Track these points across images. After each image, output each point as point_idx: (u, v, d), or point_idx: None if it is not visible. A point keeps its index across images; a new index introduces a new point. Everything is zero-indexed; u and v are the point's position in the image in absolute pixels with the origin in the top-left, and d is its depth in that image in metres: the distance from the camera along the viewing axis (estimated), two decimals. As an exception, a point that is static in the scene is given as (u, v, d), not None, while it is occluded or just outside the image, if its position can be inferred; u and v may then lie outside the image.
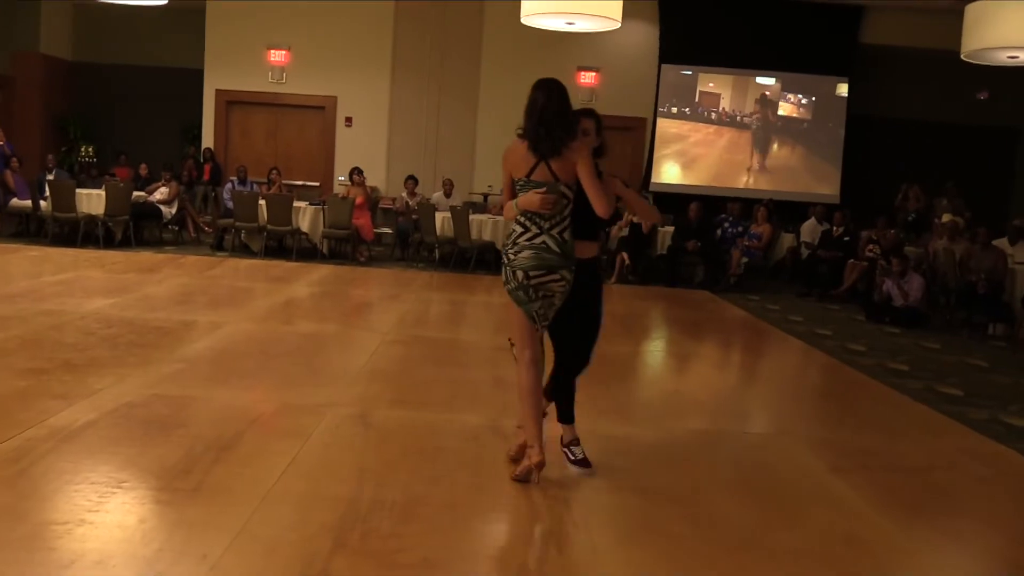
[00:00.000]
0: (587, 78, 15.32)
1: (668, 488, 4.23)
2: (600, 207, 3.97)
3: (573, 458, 4.27)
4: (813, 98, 15.49)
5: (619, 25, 10.53)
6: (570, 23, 10.75)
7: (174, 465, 4.02)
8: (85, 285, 9.08)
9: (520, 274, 3.98)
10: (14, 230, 13.23)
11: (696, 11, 15.00)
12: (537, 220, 3.99)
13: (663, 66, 15.27)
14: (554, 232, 3.99)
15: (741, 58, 15.18)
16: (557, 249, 3.98)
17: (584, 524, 3.69)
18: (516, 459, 4.21)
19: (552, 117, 3.94)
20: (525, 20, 10.64)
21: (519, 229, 4.00)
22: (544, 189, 3.95)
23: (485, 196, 14.70)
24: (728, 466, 4.69)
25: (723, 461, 4.78)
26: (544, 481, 4.08)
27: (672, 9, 15.13)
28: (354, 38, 15.16)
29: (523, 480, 4.04)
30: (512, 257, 4.01)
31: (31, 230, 13.12)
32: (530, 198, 3.96)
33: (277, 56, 15.36)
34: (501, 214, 12.69)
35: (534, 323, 4.06)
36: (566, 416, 4.33)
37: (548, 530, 3.63)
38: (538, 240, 3.98)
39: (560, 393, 4.33)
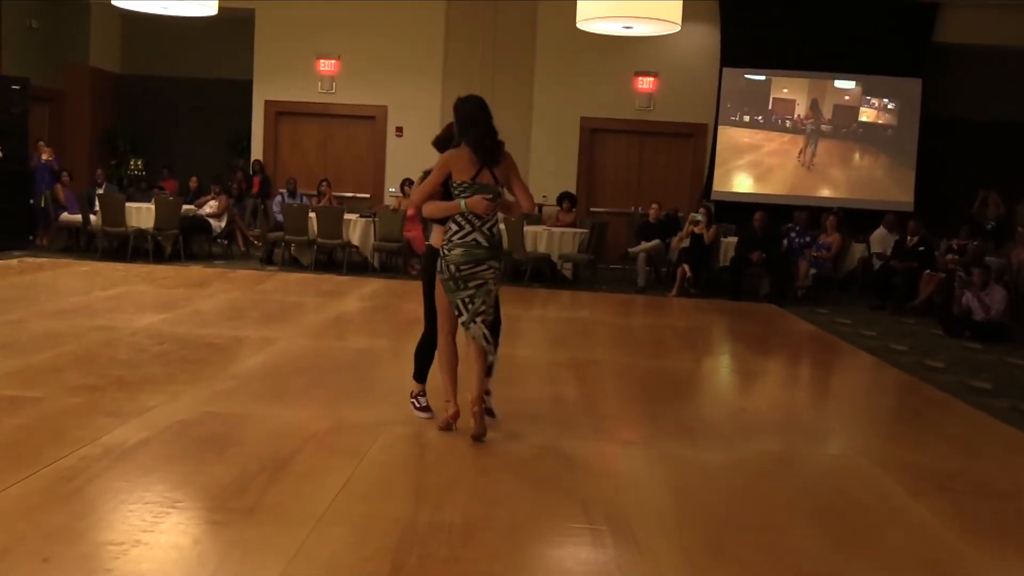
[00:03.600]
0: (645, 84, 14.90)
1: (738, 513, 4.05)
2: (529, 204, 4.90)
3: (419, 406, 5.14)
4: (885, 101, 14.77)
5: (679, 28, 10.29)
6: (628, 27, 10.52)
7: (229, 484, 3.95)
8: (136, 300, 9.08)
9: (452, 267, 4.65)
10: (64, 244, 13.36)
11: (759, 12, 14.43)
12: (471, 218, 4.64)
13: (724, 70, 14.72)
14: (485, 228, 4.68)
15: (804, 60, 14.54)
16: (486, 243, 4.67)
17: (651, 551, 3.54)
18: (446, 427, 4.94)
19: (491, 130, 4.69)
20: (581, 25, 10.47)
21: (455, 227, 4.65)
22: (490, 195, 4.66)
23: (540, 207, 14.44)
24: (801, 489, 4.50)
25: (795, 484, 4.58)
26: (609, 504, 3.98)
27: (734, 11, 14.55)
28: (404, 46, 14.97)
29: (446, 429, 4.88)
30: (446, 252, 4.66)
31: (81, 244, 13.20)
32: (477, 201, 4.62)
33: (327, 66, 15.27)
34: (552, 225, 12.70)
35: (456, 310, 4.72)
36: (423, 375, 5.15)
37: (612, 557, 3.48)
38: (469, 237, 4.63)
39: (426, 353, 5.11)
